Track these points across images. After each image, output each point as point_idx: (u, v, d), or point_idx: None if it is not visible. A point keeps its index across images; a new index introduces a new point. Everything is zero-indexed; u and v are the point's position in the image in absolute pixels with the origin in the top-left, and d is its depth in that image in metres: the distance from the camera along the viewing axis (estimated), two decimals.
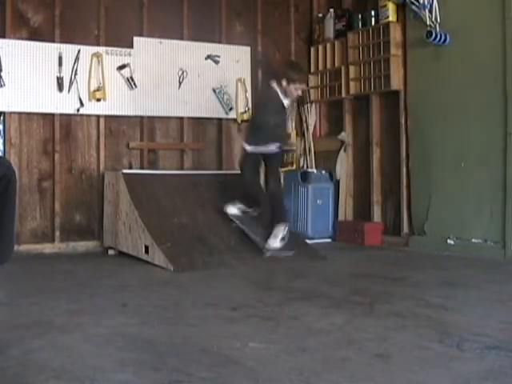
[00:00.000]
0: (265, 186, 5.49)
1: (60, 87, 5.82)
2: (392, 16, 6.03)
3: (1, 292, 3.81)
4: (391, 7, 6.03)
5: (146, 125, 6.28)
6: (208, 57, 6.49)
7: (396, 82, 6.00)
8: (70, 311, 3.37)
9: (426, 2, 5.60)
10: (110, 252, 5.67)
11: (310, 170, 6.73)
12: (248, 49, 6.72)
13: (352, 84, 6.49)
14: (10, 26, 5.70)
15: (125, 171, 5.66)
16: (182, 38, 6.42)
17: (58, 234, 5.86)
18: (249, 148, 5.08)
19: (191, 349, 2.66)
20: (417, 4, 5.68)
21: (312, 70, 7.04)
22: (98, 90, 5.94)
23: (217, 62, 6.51)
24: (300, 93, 5.22)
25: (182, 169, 6.36)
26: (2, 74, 5.60)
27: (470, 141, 5.40)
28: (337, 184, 6.65)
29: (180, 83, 6.36)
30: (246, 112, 6.63)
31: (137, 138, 6.27)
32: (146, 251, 4.99)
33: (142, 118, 6.25)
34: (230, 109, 6.58)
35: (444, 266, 4.88)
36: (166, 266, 4.72)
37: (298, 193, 6.53)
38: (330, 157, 6.77)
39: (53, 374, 2.31)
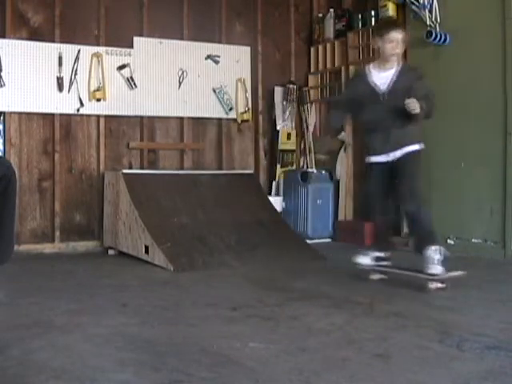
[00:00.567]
0: (395, 206, 4.34)
1: (60, 87, 5.82)
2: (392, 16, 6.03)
3: (1, 292, 3.80)
4: (391, 7, 6.02)
5: (146, 125, 6.28)
6: (208, 57, 6.49)
7: None
8: (69, 311, 3.37)
9: (426, 2, 5.60)
10: (110, 252, 5.67)
11: (310, 170, 6.73)
12: (248, 49, 6.72)
13: None
14: (9, 26, 5.70)
15: (125, 171, 5.66)
16: (182, 38, 6.42)
17: (57, 233, 5.86)
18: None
19: (191, 349, 2.66)
20: (417, 4, 5.68)
21: (312, 70, 7.04)
22: (97, 90, 5.94)
23: (217, 62, 6.51)
24: (394, 48, 4.04)
25: (182, 169, 6.36)
26: (2, 73, 5.60)
27: (469, 141, 5.40)
28: (337, 184, 6.65)
29: (180, 83, 6.36)
30: (246, 112, 6.64)
31: (137, 138, 6.27)
32: (146, 251, 4.99)
33: (142, 117, 6.25)
34: (230, 109, 6.58)
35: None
36: (166, 266, 4.72)
37: (298, 193, 6.53)
38: (329, 157, 6.77)
39: (53, 374, 2.31)
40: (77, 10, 5.98)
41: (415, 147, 4.08)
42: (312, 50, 7.05)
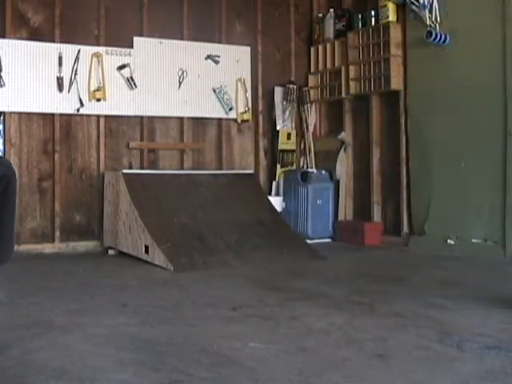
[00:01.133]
0: None
1: (60, 87, 5.82)
2: (392, 16, 6.03)
3: (1, 292, 3.81)
4: (391, 7, 6.03)
5: (146, 125, 6.28)
6: (208, 57, 6.49)
7: (396, 82, 6.00)
8: (70, 311, 3.37)
9: (426, 2, 5.60)
10: (110, 252, 5.67)
11: (310, 169, 6.73)
12: (248, 49, 6.72)
13: (352, 84, 6.48)
14: (10, 26, 5.70)
15: (125, 171, 5.66)
16: (182, 38, 6.42)
17: (57, 234, 5.86)
18: None
19: (191, 349, 2.66)
20: (417, 4, 5.68)
21: (312, 69, 7.04)
22: (97, 90, 5.94)
23: (217, 62, 6.51)
24: None
25: (182, 169, 6.36)
26: (2, 73, 5.60)
27: (469, 141, 5.40)
28: (337, 184, 6.64)
29: (180, 83, 6.36)
30: (246, 112, 6.64)
31: (137, 137, 6.27)
32: (146, 251, 4.99)
33: (142, 117, 6.25)
34: (230, 109, 6.58)
35: (444, 266, 4.87)
36: (166, 266, 4.72)
37: (297, 193, 6.53)
38: (330, 157, 6.77)
39: (53, 374, 2.32)
40: (77, 10, 5.99)
41: None
42: (312, 50, 7.04)
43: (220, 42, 6.61)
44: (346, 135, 6.65)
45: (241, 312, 3.34)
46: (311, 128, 7.01)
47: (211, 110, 6.50)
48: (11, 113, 5.71)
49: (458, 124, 5.49)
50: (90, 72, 5.93)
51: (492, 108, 5.22)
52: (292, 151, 6.98)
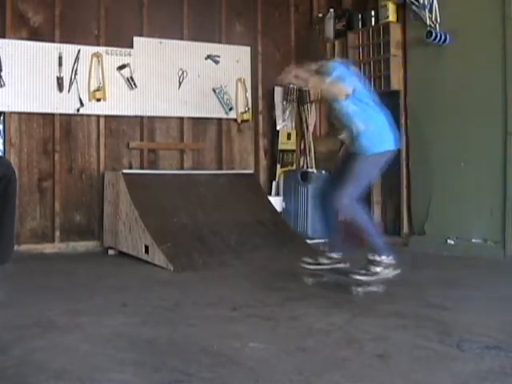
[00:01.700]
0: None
1: (60, 87, 5.82)
2: (392, 16, 6.03)
3: (1, 292, 3.81)
4: (391, 7, 6.03)
5: (146, 125, 6.28)
6: (208, 57, 6.49)
7: (396, 82, 6.00)
8: (70, 311, 3.36)
9: (426, 2, 5.60)
10: (110, 252, 5.67)
11: (310, 169, 6.73)
12: (248, 49, 6.72)
13: None
14: (9, 26, 5.70)
15: (125, 171, 5.66)
16: (182, 38, 6.41)
17: (57, 234, 5.86)
18: None
19: (191, 349, 2.66)
20: (417, 4, 5.68)
21: None
22: (97, 90, 5.94)
23: (217, 62, 6.51)
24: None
25: (182, 169, 6.36)
26: (2, 73, 5.60)
27: (469, 141, 5.40)
28: None
29: (180, 83, 6.36)
30: (246, 112, 6.64)
31: (137, 137, 6.27)
32: (146, 251, 4.99)
33: (142, 118, 6.25)
34: (230, 109, 6.58)
35: (444, 266, 4.88)
36: (166, 266, 4.72)
37: (297, 193, 6.53)
38: (330, 157, 6.76)
39: (53, 374, 2.32)
40: (77, 10, 5.98)
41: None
42: None
43: (220, 42, 6.61)
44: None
45: (241, 312, 3.34)
46: (311, 128, 7.01)
47: (211, 109, 6.50)
48: (11, 113, 5.71)
49: (458, 124, 5.49)
50: (89, 72, 5.93)
51: (492, 108, 5.22)
52: (292, 151, 6.98)
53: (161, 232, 5.04)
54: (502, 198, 5.12)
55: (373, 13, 6.25)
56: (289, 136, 6.94)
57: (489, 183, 5.25)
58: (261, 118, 6.87)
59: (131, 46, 6.14)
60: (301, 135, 7.03)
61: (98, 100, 5.95)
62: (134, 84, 6.12)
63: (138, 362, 2.48)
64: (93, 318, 3.19)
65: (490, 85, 5.24)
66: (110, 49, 6.04)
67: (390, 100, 6.16)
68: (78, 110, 5.90)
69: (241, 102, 6.63)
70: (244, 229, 5.42)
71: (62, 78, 5.82)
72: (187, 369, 2.37)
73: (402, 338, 2.80)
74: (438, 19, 5.56)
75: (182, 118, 6.43)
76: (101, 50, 6.00)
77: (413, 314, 3.25)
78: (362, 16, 6.40)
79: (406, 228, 6.00)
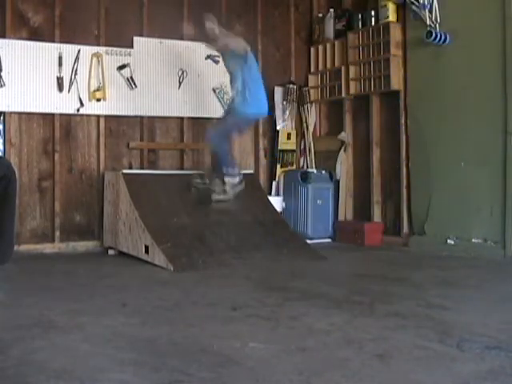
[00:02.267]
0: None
1: (60, 87, 5.82)
2: (392, 16, 6.03)
3: (1, 292, 3.81)
4: (391, 7, 6.03)
5: (145, 125, 6.28)
6: (208, 57, 6.49)
7: (396, 82, 6.00)
8: (70, 311, 3.36)
9: (426, 2, 5.60)
10: (110, 252, 5.67)
11: (310, 169, 6.73)
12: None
13: (352, 84, 6.49)
14: (10, 26, 5.70)
15: (125, 171, 5.66)
16: (182, 38, 6.41)
17: (57, 234, 5.86)
18: None
19: (191, 349, 2.66)
20: (417, 4, 5.68)
21: (312, 69, 7.04)
22: (97, 90, 5.94)
23: (217, 62, 6.50)
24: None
25: (182, 169, 6.36)
26: (2, 73, 5.60)
27: (469, 141, 5.40)
28: (337, 184, 6.64)
29: (180, 83, 6.36)
30: None
31: (137, 137, 6.27)
32: (146, 251, 4.99)
33: (142, 117, 6.25)
34: None
35: (444, 266, 4.87)
36: (166, 266, 4.72)
37: (298, 193, 6.53)
38: (330, 157, 6.77)
39: (53, 374, 2.32)
40: (77, 10, 5.98)
41: None
42: (312, 49, 7.05)
43: None
44: (346, 135, 6.64)
45: (241, 312, 3.34)
46: (311, 128, 7.01)
47: (211, 109, 6.49)
48: (11, 113, 5.71)
49: (457, 124, 5.50)
50: (89, 72, 5.93)
51: (492, 108, 5.22)
52: (292, 151, 6.98)
53: (161, 232, 5.04)
54: (502, 198, 5.12)
55: (373, 13, 6.25)
56: (289, 136, 6.94)
57: (489, 183, 5.25)
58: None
59: (131, 46, 6.14)
60: (301, 135, 7.03)
61: (98, 100, 5.95)
62: (134, 84, 6.12)
63: (138, 362, 2.48)
64: (93, 318, 3.19)
65: (489, 85, 5.24)
66: (109, 49, 6.04)
67: (389, 100, 6.20)
68: (78, 110, 5.91)
69: None
70: (244, 229, 5.42)
71: (61, 78, 5.82)
72: (187, 369, 2.37)
73: (402, 338, 2.80)
74: (438, 19, 5.57)
75: (181, 118, 6.43)
76: (101, 50, 6.00)
77: (413, 313, 3.25)
78: (361, 16, 6.40)
79: (406, 228, 6.00)
